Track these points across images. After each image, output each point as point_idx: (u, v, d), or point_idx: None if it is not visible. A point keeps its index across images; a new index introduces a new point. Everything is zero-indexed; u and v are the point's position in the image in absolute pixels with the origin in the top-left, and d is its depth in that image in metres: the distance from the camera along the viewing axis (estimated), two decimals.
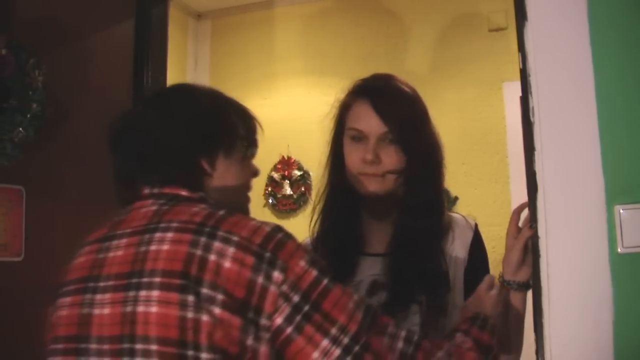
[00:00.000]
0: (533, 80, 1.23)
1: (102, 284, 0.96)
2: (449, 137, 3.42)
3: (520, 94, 1.31)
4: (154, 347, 0.88)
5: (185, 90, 1.15)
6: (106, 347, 0.92)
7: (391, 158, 1.29)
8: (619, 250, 1.16)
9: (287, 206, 3.53)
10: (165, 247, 0.93)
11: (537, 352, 1.22)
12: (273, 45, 3.69)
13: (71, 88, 1.93)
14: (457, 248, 1.38)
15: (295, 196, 3.52)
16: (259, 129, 1.20)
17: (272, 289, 0.90)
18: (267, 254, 0.92)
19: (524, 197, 1.37)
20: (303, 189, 3.52)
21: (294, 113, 3.59)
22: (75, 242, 1.83)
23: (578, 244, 1.18)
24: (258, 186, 3.60)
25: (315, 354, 0.90)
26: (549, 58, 1.23)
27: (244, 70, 3.73)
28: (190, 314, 0.87)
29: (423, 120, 1.43)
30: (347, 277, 1.30)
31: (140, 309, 0.89)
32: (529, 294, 1.38)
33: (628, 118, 1.19)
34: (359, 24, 3.54)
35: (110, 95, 1.89)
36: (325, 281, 0.94)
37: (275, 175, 3.56)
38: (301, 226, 3.83)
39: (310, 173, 3.53)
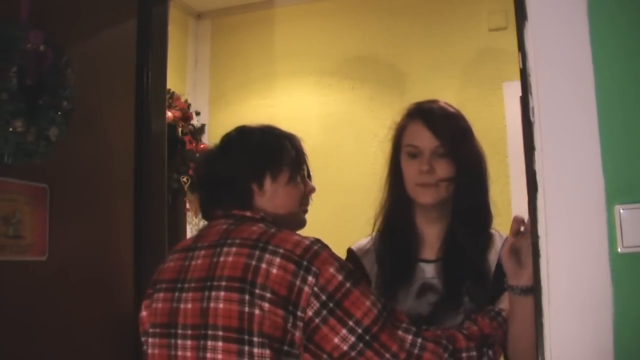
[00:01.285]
0: (533, 80, 1.23)
1: (186, 285, 1.29)
2: None
3: (520, 94, 1.31)
4: (220, 332, 1.20)
5: (239, 131, 1.47)
6: (188, 332, 1.24)
7: (443, 168, 1.49)
8: (619, 250, 1.16)
9: None
10: (230, 258, 1.25)
11: (537, 352, 1.22)
12: (273, 45, 3.69)
13: (80, 87, 1.91)
14: (492, 260, 1.52)
15: None
16: (305, 156, 1.54)
17: (306, 289, 1.20)
18: (305, 262, 1.22)
19: (524, 197, 1.37)
20: None
21: (294, 113, 3.59)
22: (96, 243, 1.83)
23: (578, 244, 1.18)
24: None
25: (336, 340, 1.21)
26: (549, 58, 1.23)
27: (244, 70, 3.73)
28: (246, 309, 1.19)
29: (468, 135, 1.61)
30: (405, 281, 1.49)
31: (212, 305, 1.22)
32: None
33: (628, 118, 1.20)
34: (359, 24, 3.53)
35: (114, 96, 1.89)
36: (347, 284, 1.22)
37: None
38: None
39: (310, 173, 3.52)
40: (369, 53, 3.48)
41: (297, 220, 1.45)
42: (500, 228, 3.20)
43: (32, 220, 1.72)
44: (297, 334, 1.19)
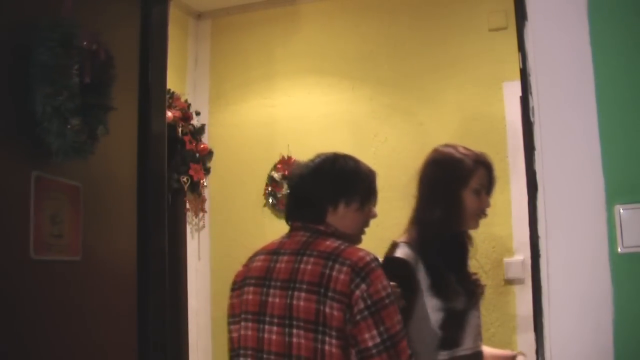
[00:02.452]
0: (533, 80, 1.24)
1: (272, 283, 1.66)
2: (449, 137, 3.43)
3: (520, 94, 1.32)
4: (301, 323, 1.58)
5: (332, 160, 1.80)
6: (275, 320, 1.62)
7: (489, 203, 1.99)
8: (619, 250, 1.16)
9: None
10: (309, 267, 1.63)
11: (537, 352, 1.22)
12: (273, 45, 3.69)
13: None
14: None
15: None
16: (376, 192, 1.84)
17: (357, 293, 1.56)
18: (363, 274, 1.58)
19: (524, 197, 1.37)
20: None
21: (294, 113, 3.59)
22: (109, 243, 1.84)
23: (578, 244, 1.18)
24: (258, 186, 3.60)
25: (367, 335, 1.54)
26: (549, 58, 1.23)
27: (244, 70, 3.73)
28: (320, 307, 1.57)
29: None
30: (450, 288, 1.85)
31: (295, 302, 1.60)
32: (529, 294, 1.38)
33: (628, 118, 1.20)
34: (359, 24, 3.53)
35: (118, 95, 1.88)
36: (387, 300, 1.57)
37: (275, 175, 3.55)
38: None
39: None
40: (369, 53, 3.48)
41: (356, 239, 1.81)
42: (500, 228, 3.21)
43: (68, 219, 1.70)
44: (349, 326, 1.55)
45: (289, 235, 1.76)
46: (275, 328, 1.62)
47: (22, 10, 1.60)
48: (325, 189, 1.75)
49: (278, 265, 1.68)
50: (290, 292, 1.61)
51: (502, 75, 3.12)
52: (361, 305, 1.55)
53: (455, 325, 1.83)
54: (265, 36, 3.70)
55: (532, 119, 1.23)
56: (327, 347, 1.57)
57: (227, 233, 3.64)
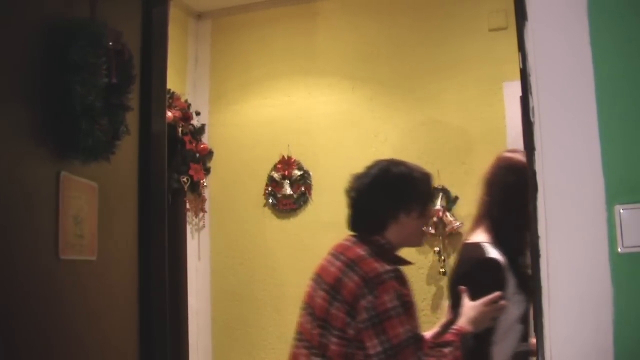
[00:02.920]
0: (533, 80, 1.24)
1: (319, 279, 1.85)
2: (449, 137, 3.43)
3: (520, 94, 1.31)
4: (316, 317, 1.78)
5: (382, 171, 1.90)
6: (309, 311, 1.84)
7: None
8: (619, 250, 1.16)
9: (287, 206, 3.52)
10: (332, 269, 1.80)
11: (537, 352, 1.22)
12: (273, 45, 3.69)
13: None
14: None
15: (295, 196, 3.52)
16: (434, 195, 1.89)
17: (363, 303, 1.68)
18: (371, 285, 1.68)
19: None
20: (303, 189, 3.52)
21: (294, 113, 3.59)
22: (125, 244, 1.84)
23: (578, 244, 1.18)
24: (258, 186, 3.60)
25: (369, 343, 1.66)
26: (549, 58, 1.23)
27: (244, 70, 3.73)
28: (328, 306, 1.74)
29: None
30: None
31: (316, 298, 1.82)
32: None
33: (628, 118, 1.20)
34: (359, 24, 3.53)
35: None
36: (392, 312, 1.66)
37: (275, 175, 3.56)
38: (301, 225, 3.83)
39: (310, 173, 3.53)
40: (369, 53, 3.48)
41: (418, 241, 1.96)
42: None
43: (89, 219, 1.69)
44: (350, 331, 1.69)
45: (345, 238, 1.92)
46: (308, 318, 1.84)
47: (53, 10, 1.60)
48: (382, 204, 1.86)
49: (324, 264, 1.87)
50: (318, 290, 1.82)
51: (502, 75, 3.13)
52: (364, 315, 1.67)
53: (527, 318, 1.93)
54: (265, 36, 3.70)
55: (532, 119, 1.23)
56: (328, 343, 1.72)
57: (227, 233, 3.64)
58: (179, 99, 3.47)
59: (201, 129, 3.63)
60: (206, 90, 3.80)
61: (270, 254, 3.53)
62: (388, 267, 1.72)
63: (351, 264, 1.76)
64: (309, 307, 1.85)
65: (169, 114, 3.16)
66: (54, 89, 1.54)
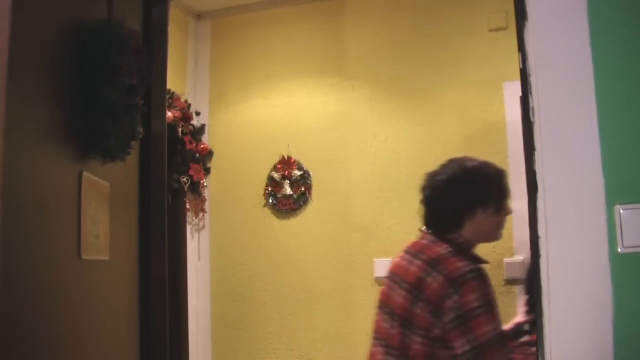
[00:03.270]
0: (533, 80, 1.24)
1: (395, 278, 1.87)
2: (449, 137, 3.43)
3: (520, 94, 1.31)
4: (397, 317, 1.78)
5: (458, 168, 1.89)
6: (386, 310, 1.85)
7: None
8: (619, 250, 1.16)
9: (287, 206, 3.52)
10: (413, 268, 1.80)
11: (537, 352, 1.22)
12: (273, 45, 3.69)
13: None
14: None
15: (295, 196, 3.52)
16: (509, 191, 1.90)
17: (449, 303, 1.68)
18: (456, 284, 1.68)
19: (524, 197, 1.37)
20: (303, 189, 3.51)
21: (294, 113, 3.59)
22: (126, 244, 1.84)
23: (578, 244, 1.18)
24: (258, 186, 3.60)
25: (456, 343, 1.67)
26: (549, 58, 1.23)
27: (244, 70, 3.73)
28: (411, 306, 1.74)
29: None
30: None
31: (396, 297, 1.82)
32: None
33: (628, 118, 1.20)
34: (359, 24, 3.53)
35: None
36: (478, 311, 1.66)
37: (275, 175, 3.55)
38: (301, 225, 3.82)
39: (310, 173, 3.53)
40: (369, 53, 3.48)
41: (495, 236, 1.93)
42: None
43: (103, 219, 1.70)
44: (436, 331, 1.69)
45: (420, 236, 1.92)
46: (385, 317, 1.85)
47: (73, 10, 1.60)
48: (459, 202, 1.86)
49: (402, 262, 1.87)
50: (397, 289, 1.82)
51: (502, 75, 3.12)
52: (452, 315, 1.67)
53: None
54: (265, 36, 3.70)
55: (532, 119, 1.23)
56: (411, 343, 1.72)
57: (227, 233, 3.64)
58: (179, 99, 3.47)
59: (201, 129, 3.63)
60: (206, 90, 3.79)
61: (270, 254, 3.53)
62: (472, 266, 1.71)
63: (433, 263, 1.75)
64: (386, 306, 1.85)
65: (169, 114, 3.16)
66: (77, 89, 1.54)
